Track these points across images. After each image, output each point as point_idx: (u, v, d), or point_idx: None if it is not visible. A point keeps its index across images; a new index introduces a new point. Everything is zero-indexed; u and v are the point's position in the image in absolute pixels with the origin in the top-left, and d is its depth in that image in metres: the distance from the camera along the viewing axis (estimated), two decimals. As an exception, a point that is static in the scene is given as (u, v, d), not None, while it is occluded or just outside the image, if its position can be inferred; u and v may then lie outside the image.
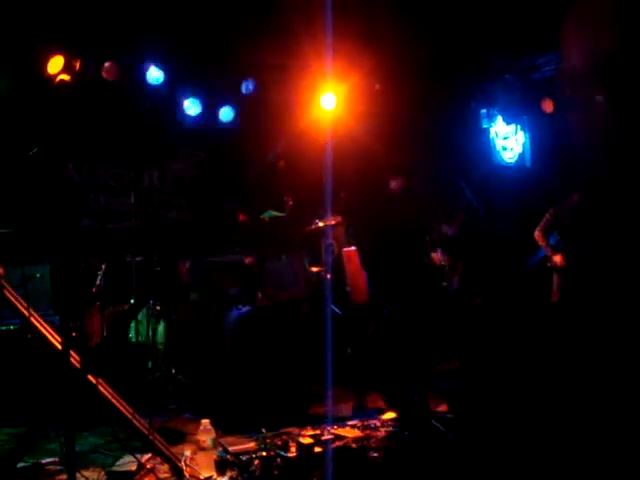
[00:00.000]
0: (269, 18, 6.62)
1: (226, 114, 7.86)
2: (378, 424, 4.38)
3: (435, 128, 8.37)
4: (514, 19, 7.29)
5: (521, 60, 8.47)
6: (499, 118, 9.10)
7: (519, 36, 7.65)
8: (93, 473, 3.65)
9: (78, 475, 3.33)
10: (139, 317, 6.12)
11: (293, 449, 3.65)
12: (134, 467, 3.52)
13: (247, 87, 7.62)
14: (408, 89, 7.99)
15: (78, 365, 3.25)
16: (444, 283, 6.54)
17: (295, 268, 6.25)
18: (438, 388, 5.17)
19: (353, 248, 7.30)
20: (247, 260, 6.33)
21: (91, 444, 4.31)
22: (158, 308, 6.31)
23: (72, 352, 3.23)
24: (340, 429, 4.28)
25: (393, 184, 6.19)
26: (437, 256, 6.64)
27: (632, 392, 3.83)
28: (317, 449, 3.62)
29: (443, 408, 4.66)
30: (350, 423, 4.47)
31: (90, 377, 3.27)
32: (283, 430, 4.24)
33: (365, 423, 4.44)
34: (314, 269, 6.46)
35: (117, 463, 3.68)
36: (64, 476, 3.17)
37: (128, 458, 3.61)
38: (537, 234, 6.68)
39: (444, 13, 7.17)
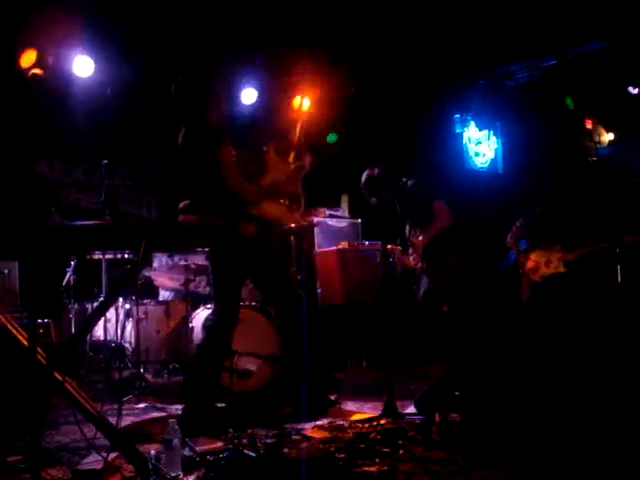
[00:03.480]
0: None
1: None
2: (346, 425, 4.39)
3: (409, 133, 8.43)
4: (488, 26, 7.36)
5: (494, 67, 8.56)
6: (472, 124, 9.19)
7: (493, 43, 7.73)
8: (59, 472, 3.61)
9: (43, 473, 3.30)
10: (108, 315, 6.08)
11: (260, 449, 3.65)
12: (100, 466, 3.49)
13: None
14: (380, 94, 8.04)
15: (45, 362, 3.22)
16: (414, 286, 6.58)
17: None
18: (406, 390, 5.20)
19: (330, 249, 7.33)
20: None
21: (57, 442, 4.27)
22: (127, 306, 6.28)
23: (39, 349, 3.20)
24: (308, 430, 4.29)
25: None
26: (408, 259, 6.68)
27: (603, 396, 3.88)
28: (284, 449, 3.62)
29: (411, 410, 4.68)
30: (318, 423, 4.48)
31: (57, 375, 3.23)
32: (250, 430, 4.23)
33: (333, 424, 4.45)
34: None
35: (83, 462, 3.65)
36: (29, 474, 3.13)
37: (94, 457, 3.58)
38: (509, 241, 6.88)
39: (419, 19, 7.22)
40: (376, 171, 6.33)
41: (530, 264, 6.69)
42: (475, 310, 6.61)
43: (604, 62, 7.69)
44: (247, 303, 5.75)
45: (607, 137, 9.05)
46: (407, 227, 6.59)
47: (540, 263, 6.71)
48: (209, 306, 5.84)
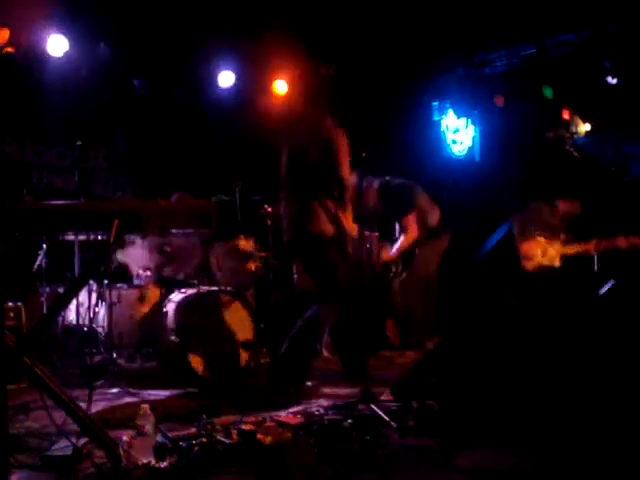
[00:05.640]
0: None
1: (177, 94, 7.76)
2: (321, 411, 4.36)
3: (387, 119, 8.39)
4: (467, 14, 7.33)
5: (473, 55, 8.54)
6: (450, 111, 9.16)
7: (471, 31, 7.70)
8: (28, 458, 3.54)
9: (12, 460, 3.24)
10: (80, 299, 5.99)
11: (234, 436, 3.60)
12: (70, 452, 3.43)
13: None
14: (359, 79, 7.98)
15: (13, 346, 3.14)
16: (391, 274, 6.59)
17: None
18: (382, 377, 5.18)
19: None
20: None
21: (27, 428, 4.20)
22: (100, 290, 6.18)
23: (8, 333, 3.12)
24: (283, 416, 4.25)
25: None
26: (388, 251, 6.69)
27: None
28: (258, 436, 3.58)
29: (386, 396, 4.65)
30: (292, 410, 4.45)
31: (26, 359, 3.16)
32: (224, 416, 4.19)
33: (308, 410, 4.42)
34: (262, 254, 6.45)
35: (53, 448, 3.58)
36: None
37: (64, 443, 3.52)
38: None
39: (397, 5, 7.18)
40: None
41: (526, 249, 6.55)
42: (454, 296, 6.64)
43: (583, 52, 7.70)
44: (224, 288, 5.71)
45: (584, 128, 9.07)
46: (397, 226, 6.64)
47: (536, 251, 6.59)
48: (183, 290, 5.78)
